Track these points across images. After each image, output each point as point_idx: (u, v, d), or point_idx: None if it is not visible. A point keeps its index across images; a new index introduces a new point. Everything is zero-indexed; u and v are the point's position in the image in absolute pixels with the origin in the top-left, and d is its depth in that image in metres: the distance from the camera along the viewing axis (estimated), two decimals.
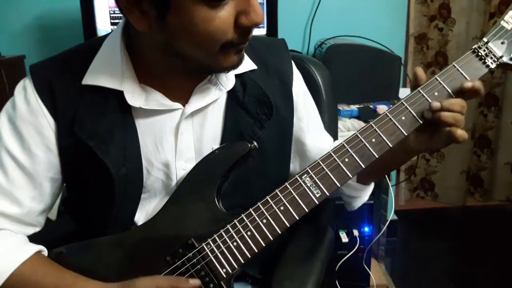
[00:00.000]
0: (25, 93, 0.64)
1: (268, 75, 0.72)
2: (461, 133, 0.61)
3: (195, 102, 0.66)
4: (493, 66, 0.63)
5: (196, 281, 0.60)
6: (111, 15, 1.37)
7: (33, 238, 0.67)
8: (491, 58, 0.63)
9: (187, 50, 0.57)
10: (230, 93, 0.68)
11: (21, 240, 0.64)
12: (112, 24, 1.38)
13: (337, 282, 1.46)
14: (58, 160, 0.66)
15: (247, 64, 0.70)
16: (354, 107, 1.36)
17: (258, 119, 0.69)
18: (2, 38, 1.50)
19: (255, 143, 0.67)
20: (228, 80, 0.67)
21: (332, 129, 0.96)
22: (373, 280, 1.58)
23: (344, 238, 1.45)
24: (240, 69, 0.68)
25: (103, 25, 1.37)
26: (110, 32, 0.67)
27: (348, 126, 1.28)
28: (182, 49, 0.57)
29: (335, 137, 0.97)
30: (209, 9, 0.52)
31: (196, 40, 0.55)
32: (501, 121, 2.20)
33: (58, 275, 0.62)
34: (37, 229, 0.68)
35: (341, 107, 1.34)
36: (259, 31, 1.43)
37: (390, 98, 1.42)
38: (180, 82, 0.65)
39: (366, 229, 1.48)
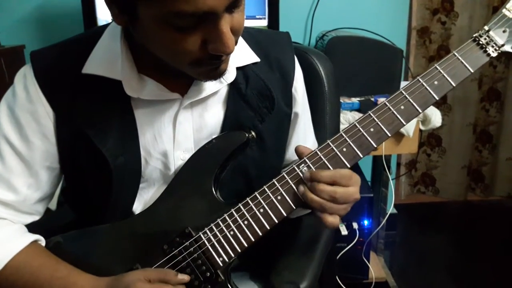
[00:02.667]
0: (25, 81, 0.64)
1: (270, 69, 0.71)
2: (332, 220, 0.59)
3: (194, 93, 0.66)
4: (494, 54, 0.62)
5: (184, 277, 0.61)
6: (108, 7, 1.36)
7: (32, 228, 0.67)
8: (492, 46, 0.62)
9: (158, 55, 0.57)
10: (232, 85, 0.68)
11: (18, 229, 0.64)
12: None
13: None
14: (56, 149, 0.65)
15: (250, 57, 0.69)
16: (355, 100, 1.35)
17: (259, 112, 0.68)
18: (2, 27, 1.50)
19: (253, 133, 0.67)
20: (229, 72, 0.66)
21: (334, 121, 0.95)
22: (372, 273, 1.59)
23: (344, 231, 1.46)
24: (243, 62, 0.68)
25: (103, 15, 1.36)
26: (111, 22, 0.66)
27: (349, 119, 1.28)
28: (155, 53, 0.57)
29: (337, 129, 0.96)
30: (175, 31, 0.51)
31: (162, 53, 0.56)
32: (503, 116, 2.19)
33: (53, 266, 0.62)
34: (36, 218, 0.68)
35: (342, 99, 1.33)
36: (260, 23, 1.42)
37: (391, 91, 1.41)
38: (179, 73, 0.64)
39: (366, 222, 1.48)
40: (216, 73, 0.59)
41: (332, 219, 0.60)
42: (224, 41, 0.51)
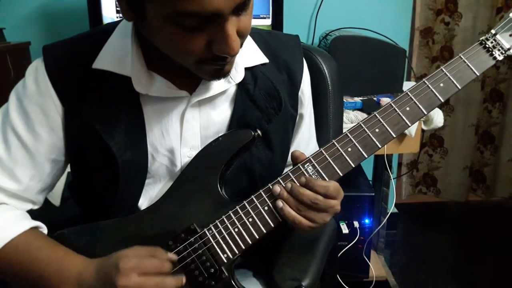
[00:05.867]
0: (36, 74, 0.64)
1: (278, 70, 0.72)
2: (307, 224, 0.60)
3: (202, 91, 0.66)
4: (500, 58, 0.63)
5: (173, 256, 0.61)
6: (117, 2, 1.36)
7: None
8: (499, 50, 0.63)
9: (165, 52, 0.57)
10: (240, 85, 0.68)
11: (20, 214, 0.66)
12: (117, 11, 1.38)
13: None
14: (63, 142, 0.66)
15: (259, 57, 0.70)
16: (358, 99, 1.36)
17: (266, 113, 0.69)
18: (8, 24, 1.50)
19: (259, 132, 0.67)
20: (238, 72, 0.67)
21: (337, 121, 0.96)
22: (372, 272, 1.60)
23: (345, 229, 1.46)
24: (252, 62, 0.69)
25: (108, 12, 1.37)
26: (122, 19, 0.66)
27: (352, 118, 1.28)
28: (161, 50, 0.58)
29: (340, 128, 0.97)
30: (181, 30, 0.51)
31: (168, 50, 0.56)
32: (506, 117, 2.19)
33: (52, 248, 0.63)
34: (36, 207, 0.69)
35: (344, 99, 1.33)
36: (264, 22, 1.43)
37: (394, 91, 1.42)
38: (187, 70, 0.65)
39: (367, 221, 1.49)
40: (221, 73, 0.59)
41: (308, 222, 0.60)
42: (229, 43, 0.51)
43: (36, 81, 0.64)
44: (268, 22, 1.42)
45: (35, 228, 0.65)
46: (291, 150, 0.78)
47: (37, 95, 0.64)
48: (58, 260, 0.61)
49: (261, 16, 1.42)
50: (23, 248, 0.62)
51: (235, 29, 0.52)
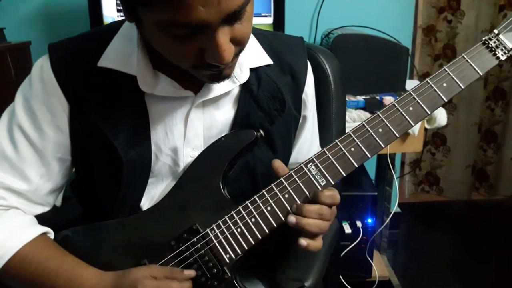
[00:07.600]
0: (42, 72, 0.64)
1: (282, 72, 0.72)
2: (319, 245, 0.61)
3: (206, 92, 0.66)
4: (503, 58, 0.63)
5: (191, 272, 0.61)
6: (117, 1, 1.36)
7: (38, 222, 0.67)
8: (502, 50, 0.63)
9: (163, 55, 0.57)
10: (244, 86, 0.68)
11: (29, 220, 0.65)
12: (118, 11, 1.38)
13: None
14: (69, 141, 0.66)
15: (263, 59, 0.70)
16: (361, 98, 1.35)
17: (269, 114, 0.69)
18: (8, 23, 1.50)
19: (262, 132, 0.67)
20: (242, 73, 0.67)
21: (340, 120, 0.96)
22: (375, 271, 1.59)
23: (347, 229, 1.46)
24: (256, 63, 0.68)
25: (109, 12, 1.37)
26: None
27: (354, 117, 1.28)
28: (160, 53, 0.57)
29: (343, 127, 0.96)
30: (173, 38, 0.51)
31: (165, 54, 0.56)
32: (508, 115, 2.18)
33: (61, 258, 0.63)
34: (46, 209, 0.69)
35: (347, 98, 1.33)
36: (266, 20, 1.42)
37: (397, 89, 1.41)
38: None
39: (369, 220, 1.48)
40: (220, 77, 0.58)
41: (319, 244, 0.62)
42: (219, 53, 0.51)
43: (41, 79, 0.64)
44: (269, 20, 1.42)
45: (43, 234, 0.65)
46: (293, 152, 0.78)
47: (43, 94, 0.64)
48: (68, 271, 0.61)
49: (262, 14, 1.42)
50: (32, 258, 0.61)
51: (227, 38, 0.51)
